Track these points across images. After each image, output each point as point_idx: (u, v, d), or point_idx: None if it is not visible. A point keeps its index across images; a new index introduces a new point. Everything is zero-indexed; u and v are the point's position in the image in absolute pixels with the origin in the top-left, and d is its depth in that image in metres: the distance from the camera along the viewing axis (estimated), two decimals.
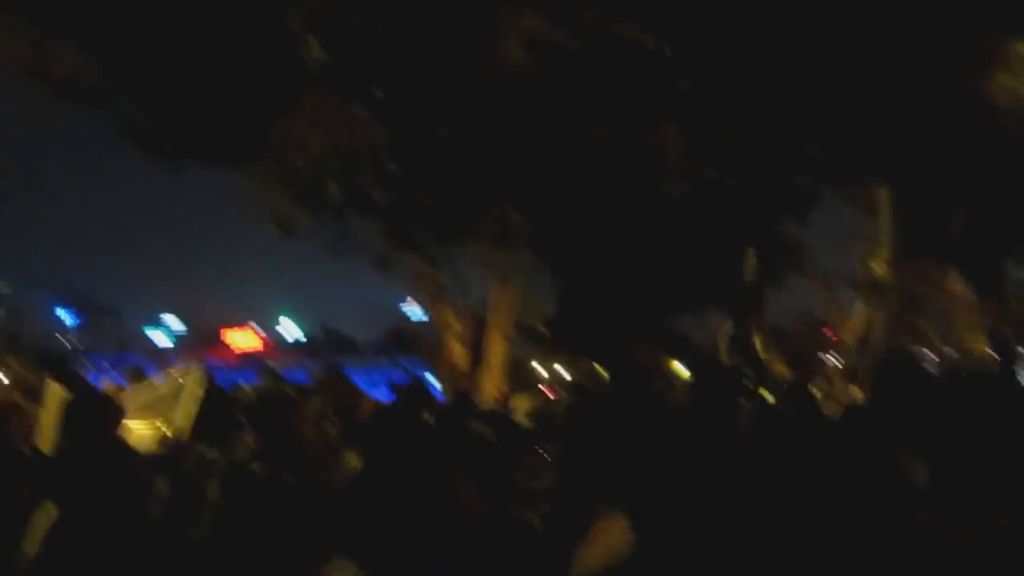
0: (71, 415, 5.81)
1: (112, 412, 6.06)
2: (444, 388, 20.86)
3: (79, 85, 22.70)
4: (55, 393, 6.46)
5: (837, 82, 15.16)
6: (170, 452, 6.64)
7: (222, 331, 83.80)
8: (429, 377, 18.95)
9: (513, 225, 18.07)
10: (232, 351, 75.39)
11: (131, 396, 8.46)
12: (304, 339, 70.88)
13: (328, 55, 16.18)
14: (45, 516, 4.35)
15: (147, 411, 7.99)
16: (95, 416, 5.93)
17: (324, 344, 68.67)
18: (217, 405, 7.49)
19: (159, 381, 8.58)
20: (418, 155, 16.35)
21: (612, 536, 3.17)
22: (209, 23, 20.47)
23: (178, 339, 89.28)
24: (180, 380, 8.28)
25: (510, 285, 21.70)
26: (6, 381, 12.82)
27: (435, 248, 19.40)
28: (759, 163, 16.29)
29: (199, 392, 7.81)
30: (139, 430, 7.65)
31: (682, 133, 15.51)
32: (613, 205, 17.21)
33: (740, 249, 19.25)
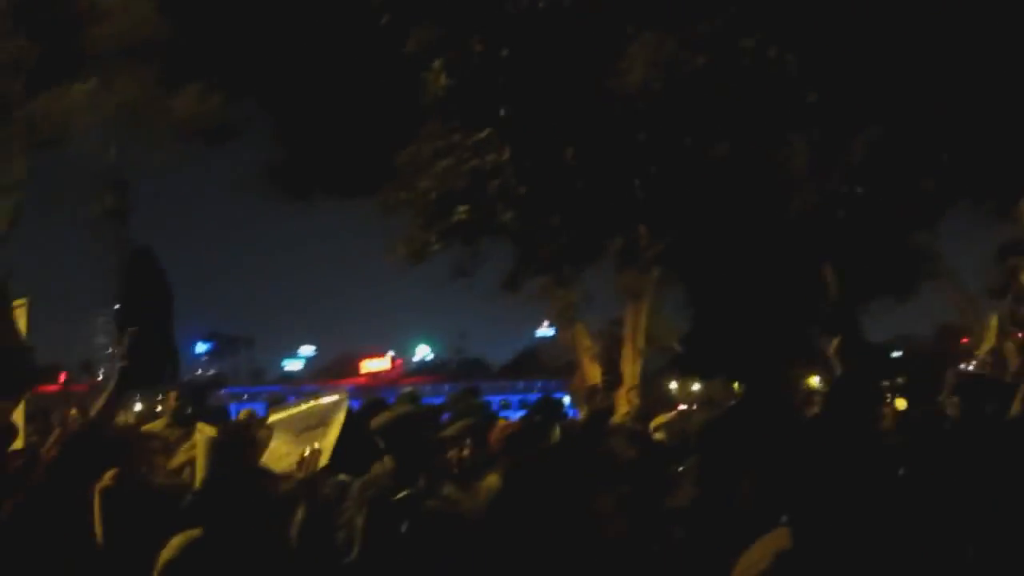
0: (215, 452, 6.00)
1: (252, 445, 6.20)
2: (578, 407, 20.81)
3: (209, 125, 23.23)
4: (202, 432, 6.68)
5: (969, 87, 14.83)
6: (310, 478, 6.70)
7: (356, 358, 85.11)
8: (563, 398, 18.90)
9: (643, 243, 17.97)
10: (366, 377, 76.40)
11: (272, 423, 8.56)
12: (437, 363, 71.51)
13: (453, 80, 16.30)
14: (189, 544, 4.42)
15: (288, 438, 8.07)
16: (237, 451, 6.10)
17: (457, 368, 69.18)
18: (355, 430, 7.52)
19: (299, 408, 8.67)
20: (545, 176, 16.36)
21: (769, 550, 3.11)
22: (334, 56, 20.79)
23: (312, 366, 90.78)
24: (320, 406, 8.34)
25: (642, 303, 21.60)
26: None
27: (565, 268, 19.38)
28: (888, 172, 15.98)
29: (340, 418, 7.87)
30: (280, 457, 7.73)
31: (809, 144, 15.28)
32: (743, 220, 17.03)
33: (871, 260, 18.92)
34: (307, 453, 7.33)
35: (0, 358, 3.30)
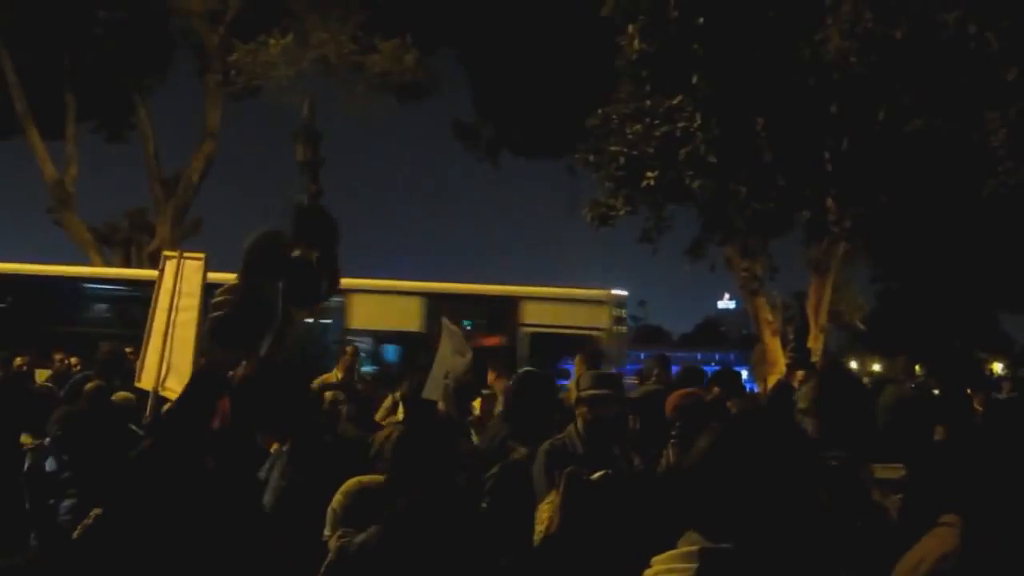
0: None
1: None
2: (757, 382, 20.68)
3: (403, 82, 23.63)
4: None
5: None
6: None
7: None
8: (741, 371, 18.81)
9: (831, 217, 17.72)
10: None
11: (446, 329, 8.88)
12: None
13: (647, 45, 16.29)
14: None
15: (447, 349, 8.37)
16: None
17: (637, 335, 69.03)
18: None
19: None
20: (735, 144, 16.25)
21: (934, 552, 3.11)
22: (530, 17, 20.93)
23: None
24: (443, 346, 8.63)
25: (827, 278, 21.32)
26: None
27: (751, 238, 19.23)
28: None
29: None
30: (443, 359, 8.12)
31: (1006, 123, 14.84)
32: (936, 199, 16.67)
33: None
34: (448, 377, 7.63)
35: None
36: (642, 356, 17.12)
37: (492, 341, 15.64)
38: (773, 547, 2.49)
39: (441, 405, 7.50)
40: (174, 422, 3.07)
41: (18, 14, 22.74)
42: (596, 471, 5.45)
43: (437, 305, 15.60)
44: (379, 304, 17.37)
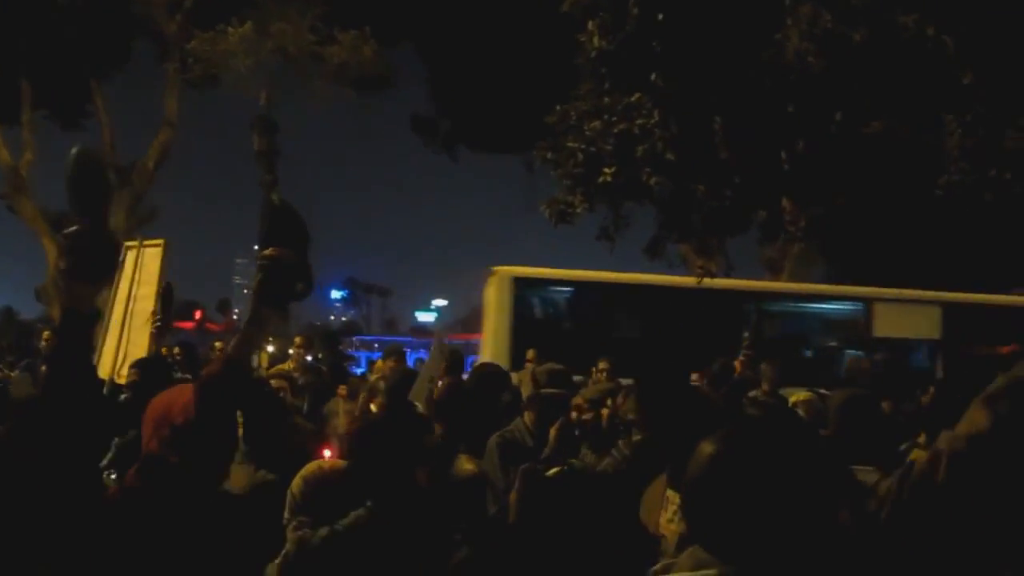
0: None
1: None
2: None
3: (361, 74, 23.61)
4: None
5: None
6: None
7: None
8: None
9: (787, 216, 17.87)
10: None
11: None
12: None
13: (608, 42, 16.34)
14: None
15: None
16: None
17: None
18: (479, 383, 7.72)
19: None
20: (693, 143, 16.33)
21: None
22: (489, 12, 20.96)
23: (440, 319, 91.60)
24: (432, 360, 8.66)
25: (782, 276, 21.48)
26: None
27: (708, 237, 19.33)
28: None
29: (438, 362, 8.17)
30: None
31: (962, 126, 15.02)
32: (891, 200, 16.85)
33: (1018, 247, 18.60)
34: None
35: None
36: None
37: (1008, 349, 15.81)
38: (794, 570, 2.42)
39: (420, 407, 7.53)
40: (55, 362, 3.12)
41: None
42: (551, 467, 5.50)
43: (954, 314, 16.52)
44: (901, 313, 18.17)
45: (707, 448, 2.58)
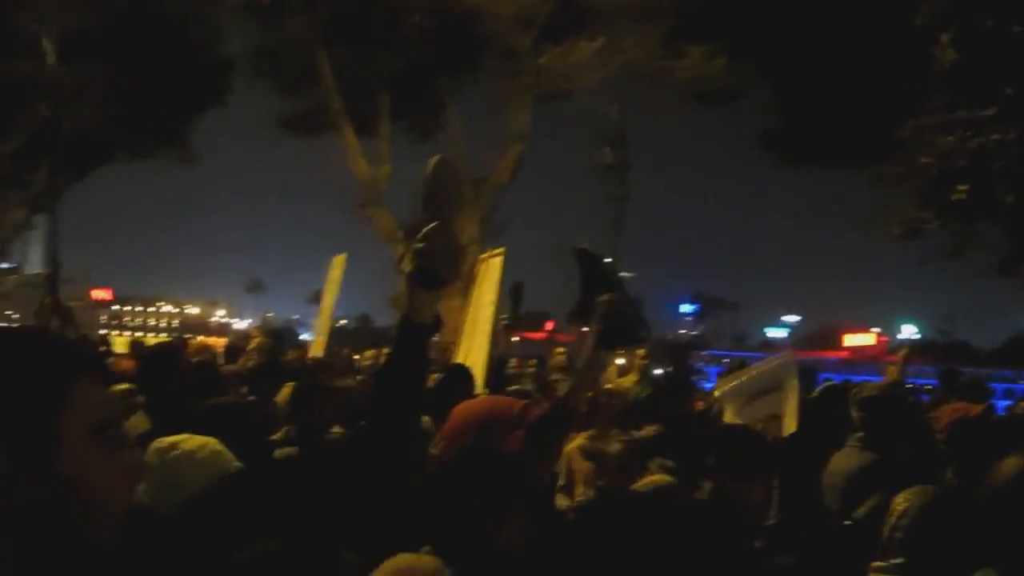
0: None
1: None
2: None
3: (710, 88, 23.62)
4: None
5: None
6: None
7: (839, 330, 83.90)
8: None
9: None
10: (849, 350, 75.12)
11: (720, 395, 8.68)
12: (923, 343, 69.23)
13: (960, 53, 15.82)
14: None
15: (738, 405, 8.19)
16: None
17: (943, 349, 66.82)
18: (823, 400, 7.48)
19: (747, 375, 8.72)
20: None
21: None
22: (838, 24, 20.59)
23: (795, 335, 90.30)
24: (768, 370, 8.39)
25: None
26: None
27: None
28: None
29: (794, 381, 7.86)
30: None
31: None
32: None
33: None
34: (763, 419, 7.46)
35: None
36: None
37: None
38: None
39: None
40: (389, 373, 3.22)
41: (337, 18, 23.91)
42: None
43: None
44: None
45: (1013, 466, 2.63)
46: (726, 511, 4.50)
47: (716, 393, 9.04)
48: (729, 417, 8.04)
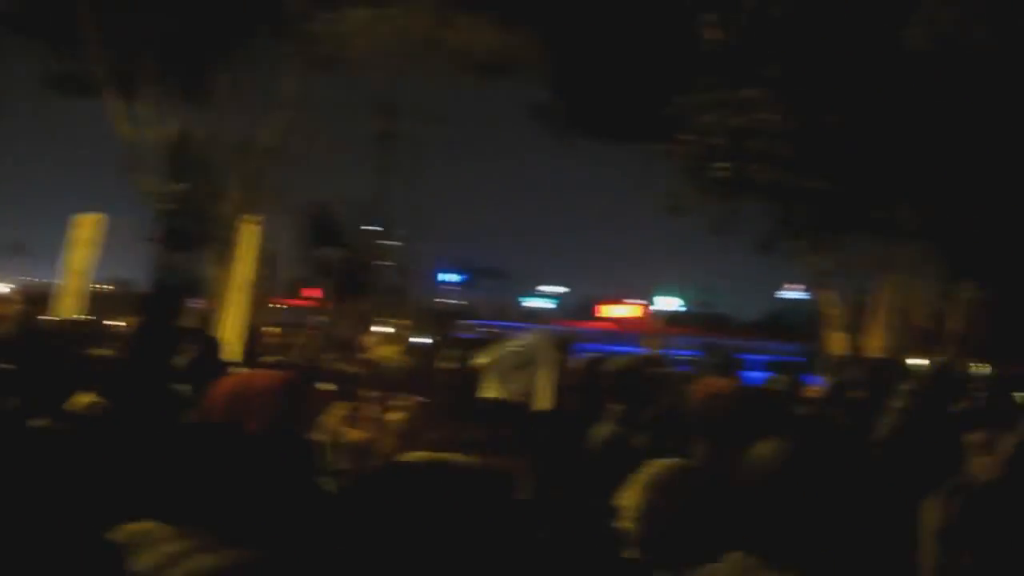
0: None
1: None
2: (823, 375, 20.60)
3: (482, 60, 23.70)
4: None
5: None
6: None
7: (604, 302, 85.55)
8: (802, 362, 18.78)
9: (903, 215, 17.63)
10: (614, 322, 76.71)
11: (479, 365, 8.70)
12: (685, 315, 71.25)
13: (725, 35, 16.27)
14: None
15: (495, 378, 8.21)
16: None
17: (700, 321, 68.94)
18: (583, 374, 7.56)
19: (506, 348, 8.77)
20: (809, 139, 16.20)
21: None
22: (611, 1, 20.91)
23: (559, 306, 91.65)
24: (526, 346, 8.44)
25: (894, 276, 21.18)
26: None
27: (820, 234, 19.17)
28: None
29: (549, 357, 7.92)
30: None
31: None
32: (1009, 201, 16.53)
33: None
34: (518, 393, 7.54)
35: None
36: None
37: None
38: None
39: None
40: (139, 336, 3.21)
41: None
42: None
43: None
44: None
45: (765, 450, 2.69)
46: (490, 485, 4.53)
47: (475, 362, 9.06)
48: (490, 390, 8.04)
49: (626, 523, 3.45)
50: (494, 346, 8.96)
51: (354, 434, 6.92)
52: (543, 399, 7.48)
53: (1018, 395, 8.23)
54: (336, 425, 6.90)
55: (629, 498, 3.54)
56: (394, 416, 6.91)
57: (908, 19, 14.87)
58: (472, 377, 8.69)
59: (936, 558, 3.39)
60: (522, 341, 8.67)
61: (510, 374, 8.10)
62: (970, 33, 14.43)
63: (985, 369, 15.43)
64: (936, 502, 3.50)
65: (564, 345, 9.19)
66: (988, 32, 14.37)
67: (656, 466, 3.69)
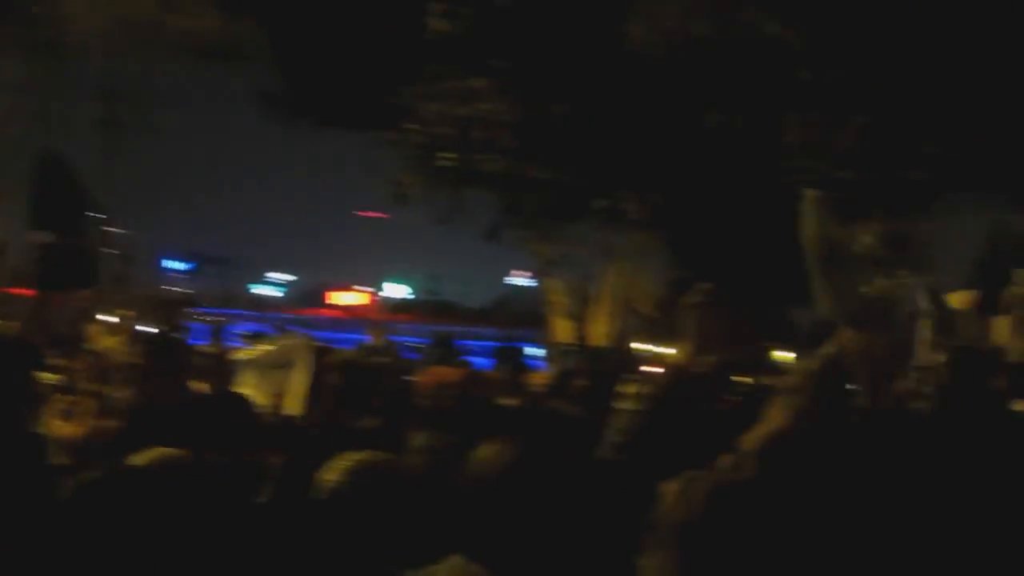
0: None
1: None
2: (548, 363, 20.92)
3: (204, 44, 23.11)
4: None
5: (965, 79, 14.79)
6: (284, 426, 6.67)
7: (332, 289, 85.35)
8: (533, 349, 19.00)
9: (626, 205, 18.02)
10: (342, 309, 76.49)
11: (246, 362, 8.56)
12: (412, 302, 71.68)
13: (449, 25, 16.26)
14: None
15: (255, 374, 8.08)
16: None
17: (427, 308, 69.51)
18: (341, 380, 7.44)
19: (268, 347, 8.64)
20: (533, 130, 16.37)
21: None
22: None
23: (286, 293, 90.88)
24: (287, 347, 8.33)
25: (620, 264, 21.64)
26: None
27: (546, 223, 19.42)
28: (874, 157, 15.98)
29: (307, 359, 7.82)
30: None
31: (801, 125, 15.28)
32: (729, 192, 17.08)
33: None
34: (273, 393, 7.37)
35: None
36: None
37: None
38: None
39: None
40: None
41: None
42: None
43: None
44: None
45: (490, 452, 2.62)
46: (223, 485, 4.35)
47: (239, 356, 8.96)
48: (247, 386, 7.89)
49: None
50: (258, 343, 8.82)
51: (67, 429, 6.63)
52: (293, 402, 7.33)
53: (737, 379, 8.43)
54: (50, 419, 6.57)
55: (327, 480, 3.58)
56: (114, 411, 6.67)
57: (627, 14, 15.17)
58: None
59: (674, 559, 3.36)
60: (283, 340, 8.56)
61: (267, 373, 7.94)
62: (689, 28, 14.81)
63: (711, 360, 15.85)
64: (675, 494, 3.46)
65: (324, 350, 9.04)
66: (708, 27, 14.77)
67: (350, 459, 3.64)
